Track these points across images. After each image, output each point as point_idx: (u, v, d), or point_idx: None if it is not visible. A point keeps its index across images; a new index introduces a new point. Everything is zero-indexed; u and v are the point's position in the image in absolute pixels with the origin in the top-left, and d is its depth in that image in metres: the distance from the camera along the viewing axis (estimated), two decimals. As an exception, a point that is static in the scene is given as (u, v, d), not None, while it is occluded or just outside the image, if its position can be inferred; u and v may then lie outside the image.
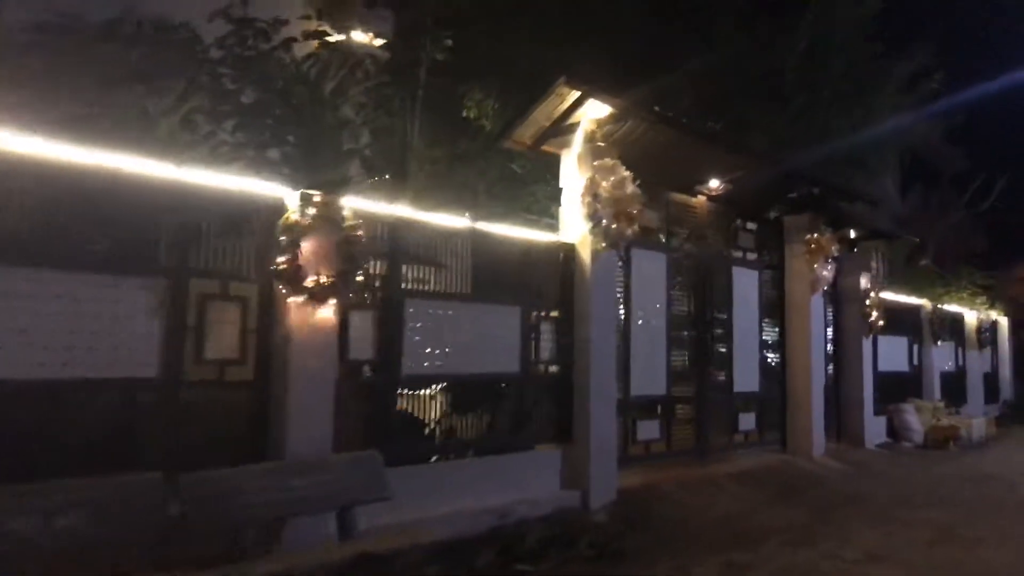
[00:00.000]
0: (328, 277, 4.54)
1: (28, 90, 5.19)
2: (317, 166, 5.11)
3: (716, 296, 8.64)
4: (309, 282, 4.47)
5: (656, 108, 6.63)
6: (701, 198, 8.51)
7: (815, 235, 9.26)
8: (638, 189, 6.56)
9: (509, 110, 8.27)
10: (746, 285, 9.00)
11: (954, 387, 14.08)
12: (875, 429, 10.87)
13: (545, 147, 7.14)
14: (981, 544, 5.97)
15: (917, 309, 13.10)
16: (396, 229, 5.35)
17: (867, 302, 10.63)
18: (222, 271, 4.45)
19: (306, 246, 4.48)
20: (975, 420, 12.30)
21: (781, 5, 11.18)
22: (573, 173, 6.72)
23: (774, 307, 9.52)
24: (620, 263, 7.28)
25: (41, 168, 3.80)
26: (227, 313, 4.42)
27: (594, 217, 6.38)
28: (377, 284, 5.22)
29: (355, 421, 5.00)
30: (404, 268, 5.40)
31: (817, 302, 9.60)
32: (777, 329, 9.55)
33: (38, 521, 3.31)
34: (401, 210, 5.36)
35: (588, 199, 6.39)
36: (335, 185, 4.84)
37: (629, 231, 6.52)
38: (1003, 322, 17.18)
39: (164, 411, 4.12)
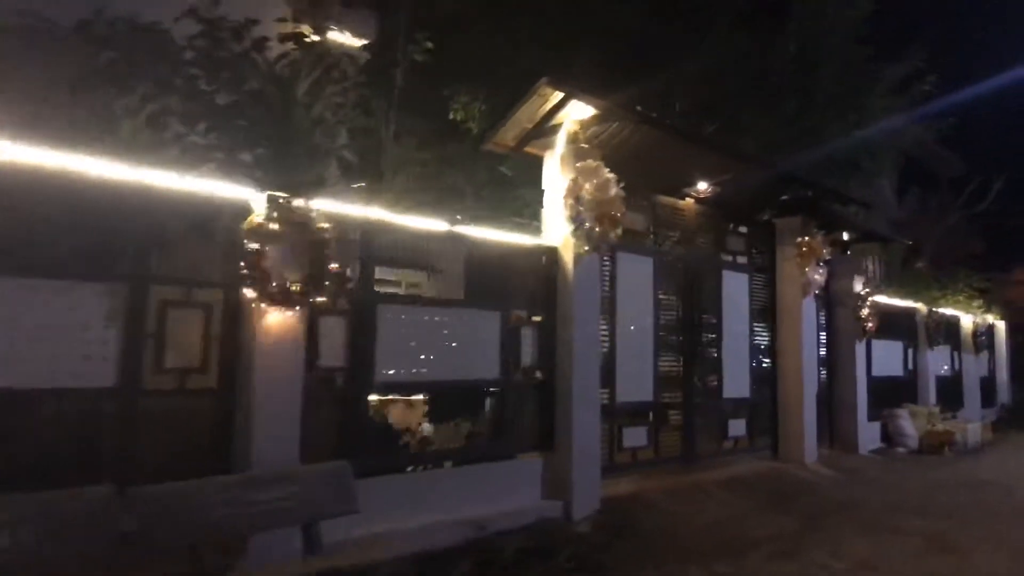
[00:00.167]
0: (295, 282, 4.40)
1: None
2: (288, 168, 4.99)
3: (705, 300, 8.50)
4: (275, 287, 4.33)
5: (639, 108, 6.47)
6: (689, 201, 8.38)
7: (807, 238, 9.12)
8: (622, 191, 6.42)
9: (496, 113, 8.16)
10: (736, 288, 8.86)
11: (950, 391, 13.92)
12: (869, 435, 10.71)
13: (528, 149, 7.02)
14: (974, 552, 5.82)
15: (912, 313, 12.95)
16: (369, 232, 5.21)
17: (860, 306, 10.48)
18: (185, 276, 4.31)
19: (272, 250, 4.34)
20: (971, 425, 12.14)
21: (772, 8, 11.06)
22: (555, 175, 6.59)
23: (765, 311, 9.37)
24: (606, 266, 7.15)
25: (-9, 170, 3.66)
26: (189, 320, 4.28)
27: (576, 220, 6.24)
28: (349, 289, 5.07)
29: (325, 431, 4.85)
30: (378, 272, 5.25)
31: (809, 306, 9.45)
32: (768, 333, 9.39)
33: (-20, 538, 3.17)
34: (375, 212, 5.21)
35: (570, 201, 6.25)
36: (303, 187, 4.70)
37: (612, 234, 6.38)
38: (1000, 325, 17.04)
39: (121, 422, 3.98)
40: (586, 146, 6.52)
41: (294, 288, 4.39)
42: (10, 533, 3.30)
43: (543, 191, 6.78)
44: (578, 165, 6.33)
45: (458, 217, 8.22)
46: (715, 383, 8.48)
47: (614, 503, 6.50)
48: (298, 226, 4.48)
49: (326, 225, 4.61)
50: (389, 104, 5.76)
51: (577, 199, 6.23)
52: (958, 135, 18.85)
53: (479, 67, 10.31)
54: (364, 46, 6.87)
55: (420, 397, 5.57)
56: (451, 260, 5.84)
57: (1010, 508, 7.35)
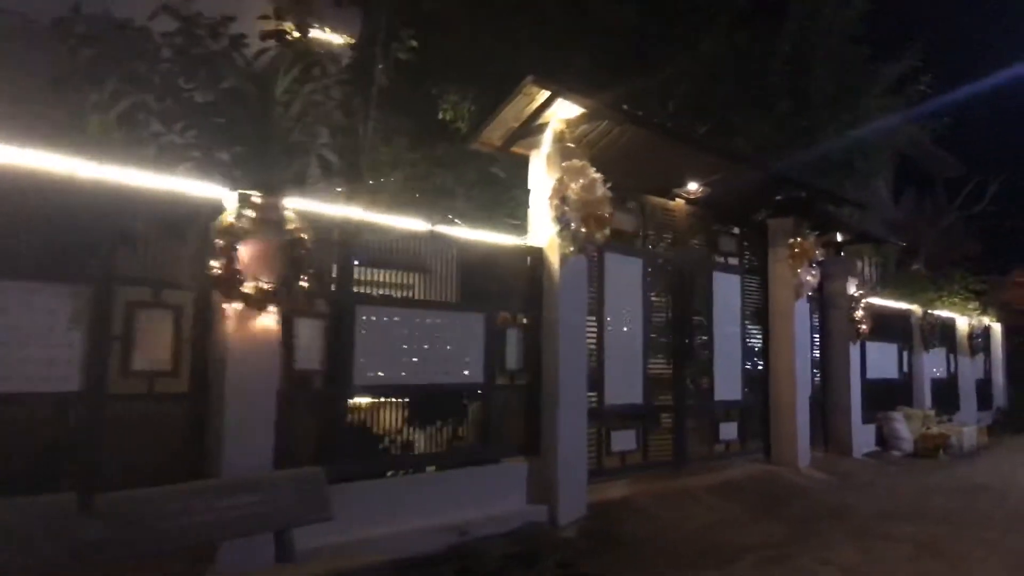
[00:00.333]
0: (269, 283, 4.30)
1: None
2: (266, 167, 4.89)
3: (696, 301, 8.40)
4: (248, 288, 4.22)
5: (624, 107, 6.37)
6: (680, 201, 8.28)
7: (799, 239, 9.02)
8: (609, 191, 6.32)
9: (486, 112, 8.06)
10: (727, 290, 8.76)
11: (946, 394, 13.83)
12: (863, 438, 10.60)
13: (515, 148, 6.92)
14: (966, 560, 5.71)
15: (907, 315, 12.87)
16: (349, 232, 5.10)
17: (854, 307, 10.39)
18: (154, 277, 4.20)
19: (244, 250, 4.24)
20: (966, 428, 12.04)
21: (768, 7, 10.96)
22: (541, 175, 6.49)
23: (758, 313, 9.27)
24: (593, 267, 7.04)
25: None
26: (159, 322, 4.16)
27: (562, 220, 6.14)
28: (327, 290, 4.97)
29: (301, 435, 4.74)
30: (369, 273, 5.15)
31: (802, 307, 9.35)
32: (761, 335, 9.29)
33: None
34: (354, 212, 5.10)
35: (556, 201, 6.15)
36: (277, 186, 4.60)
37: (599, 234, 6.28)
38: (996, 328, 16.94)
39: (86, 427, 3.86)
40: (572, 145, 6.43)
41: (267, 289, 4.28)
42: (-33, 542, 3.20)
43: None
44: (564, 165, 6.23)
45: (451, 217, 8.15)
46: (706, 385, 8.38)
47: (601, 508, 6.40)
48: (272, 226, 4.37)
49: (301, 225, 4.51)
50: (369, 102, 5.64)
51: (563, 199, 6.12)
52: (955, 136, 18.79)
53: (469, 66, 10.21)
54: (348, 44, 6.77)
55: (401, 400, 5.44)
56: (433, 261, 5.73)
57: (1004, 513, 7.24)
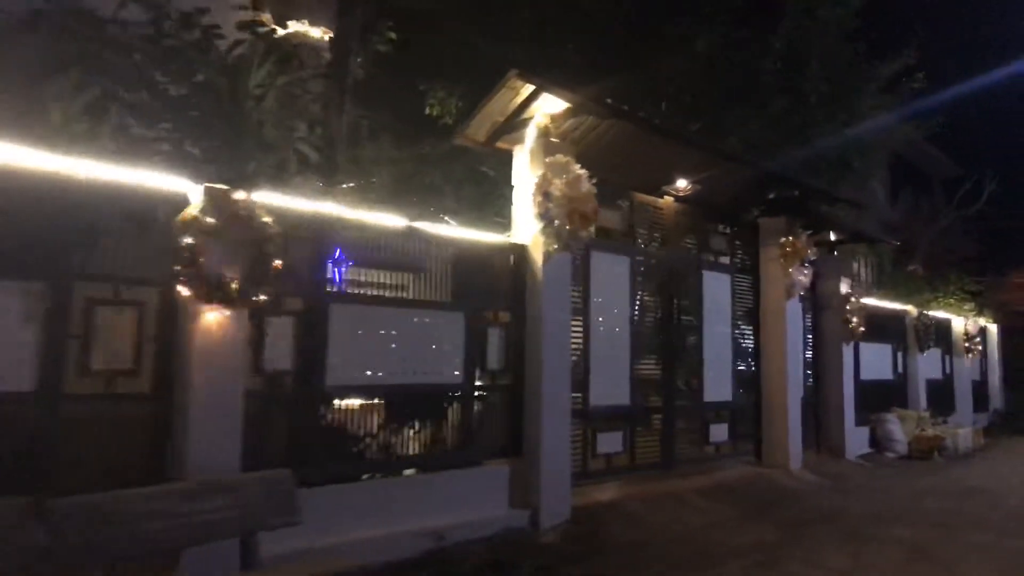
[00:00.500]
0: (235, 280, 4.15)
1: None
2: (235, 161, 4.76)
3: (685, 301, 8.27)
4: (212, 285, 4.08)
5: (608, 101, 6.24)
6: (669, 199, 8.14)
7: (791, 238, 8.89)
8: (594, 187, 6.19)
9: (474, 108, 7.93)
10: (718, 289, 8.62)
11: (941, 396, 13.69)
12: (857, 440, 10.47)
13: (500, 144, 6.80)
14: (957, 565, 5.57)
15: (902, 315, 12.73)
16: (322, 228, 4.96)
17: (847, 308, 10.25)
18: (115, 273, 4.05)
19: (209, 246, 4.09)
20: (961, 430, 11.90)
21: (762, 5, 10.83)
22: (525, 170, 6.36)
23: (749, 313, 9.14)
24: (578, 265, 6.91)
25: None
26: (119, 319, 4.02)
27: (545, 216, 6.00)
28: (299, 287, 4.83)
29: (271, 437, 4.60)
30: (331, 270, 5.00)
31: (794, 308, 9.21)
32: (752, 335, 9.15)
33: None
34: (328, 207, 4.96)
35: (539, 198, 6.01)
36: (246, 180, 4.46)
37: (584, 232, 6.15)
38: (992, 329, 16.80)
39: (41, 428, 3.71)
40: (557, 141, 6.30)
41: (233, 286, 4.14)
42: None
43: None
44: (547, 160, 6.10)
45: (442, 216, 8.01)
46: (696, 386, 8.23)
47: (585, 512, 6.25)
48: (238, 221, 4.23)
49: (271, 220, 4.37)
50: (344, 94, 5.51)
51: (546, 195, 5.99)
52: (951, 136, 18.71)
53: (458, 62, 10.09)
54: (328, 37, 6.63)
55: (378, 402, 5.30)
56: (412, 259, 5.59)
57: (999, 517, 7.10)
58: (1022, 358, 17.56)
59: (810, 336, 10.33)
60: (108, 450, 3.95)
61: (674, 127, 7.64)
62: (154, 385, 4.12)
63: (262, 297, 4.32)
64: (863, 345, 11.08)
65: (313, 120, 5.69)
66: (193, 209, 4.09)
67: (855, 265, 16.50)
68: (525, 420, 6.06)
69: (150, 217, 4.17)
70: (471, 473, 5.75)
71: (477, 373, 5.90)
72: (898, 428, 11.07)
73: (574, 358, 6.82)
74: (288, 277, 4.73)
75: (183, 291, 4.01)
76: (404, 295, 5.56)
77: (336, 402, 5.00)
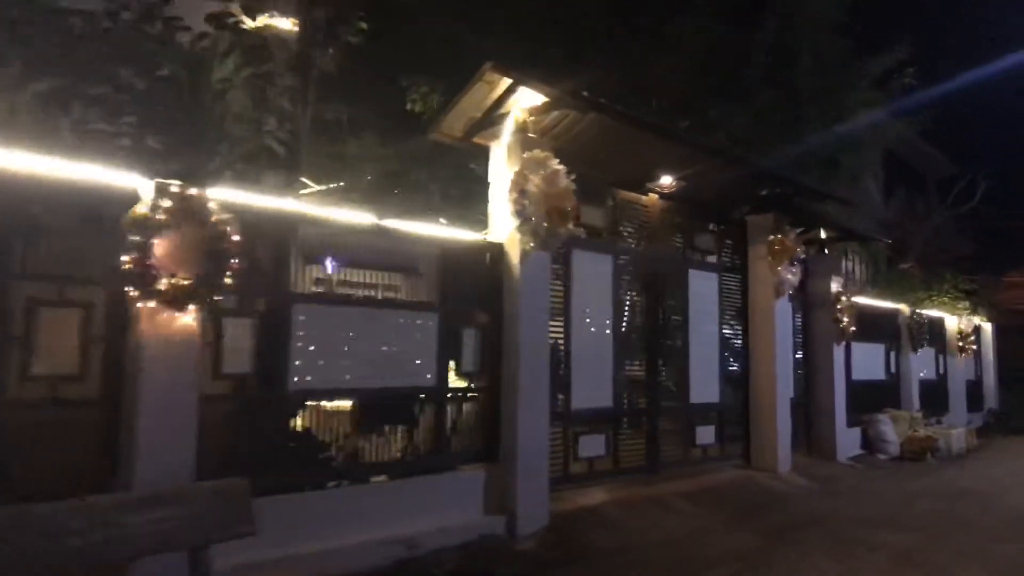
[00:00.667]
0: (187, 279, 3.97)
1: None
2: (194, 156, 4.59)
3: (670, 300, 8.09)
4: (163, 285, 3.90)
5: (584, 94, 6.06)
6: (653, 196, 7.96)
7: (779, 236, 8.71)
8: (573, 184, 6.01)
9: (456, 104, 7.75)
10: (704, 289, 8.44)
11: (935, 396, 13.51)
12: (848, 441, 10.29)
13: (477, 139, 6.62)
14: (945, 571, 5.42)
15: (895, 314, 12.56)
16: (286, 225, 4.77)
17: (838, 307, 10.08)
18: (59, 273, 3.87)
19: (160, 243, 3.91)
20: (955, 430, 11.73)
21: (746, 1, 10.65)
22: (501, 167, 6.18)
23: (737, 312, 8.96)
24: (559, 264, 6.74)
25: None
26: (64, 321, 3.84)
27: (522, 214, 5.82)
28: (260, 287, 4.64)
29: (229, 444, 4.42)
30: (295, 269, 4.81)
31: (783, 307, 9.04)
32: (740, 336, 8.98)
33: None
34: (291, 204, 4.78)
35: (515, 195, 5.83)
36: (204, 176, 4.28)
37: (562, 229, 5.97)
38: (987, 328, 16.63)
39: (-23, 436, 3.53)
40: (534, 136, 6.12)
41: (185, 286, 3.96)
42: None
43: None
44: (524, 156, 5.92)
45: (441, 220, 7.80)
46: (681, 388, 8.05)
47: (565, 518, 6.08)
48: (191, 217, 4.05)
49: (226, 217, 4.18)
50: (308, 87, 5.32)
51: (522, 192, 5.81)
52: (947, 134, 18.62)
53: (441, 56, 9.89)
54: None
55: (346, 406, 5.12)
56: (381, 256, 5.41)
57: (990, 520, 6.93)
58: (1017, 357, 17.40)
59: (800, 336, 10.15)
60: (52, 459, 3.76)
61: (658, 122, 7.42)
62: (102, 390, 3.94)
63: (217, 297, 4.15)
64: (855, 345, 10.91)
65: (282, 114, 5.51)
66: (142, 205, 3.90)
67: (848, 264, 16.38)
68: (502, 423, 5.88)
69: (98, 214, 3.98)
70: (445, 479, 5.57)
71: (452, 375, 5.72)
72: (890, 429, 10.90)
73: (554, 359, 6.65)
74: (249, 276, 4.56)
75: (130, 291, 3.83)
76: (375, 295, 5.37)
77: (301, 407, 4.81)
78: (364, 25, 5.90)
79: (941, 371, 14.09)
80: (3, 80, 4.17)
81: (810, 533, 6.35)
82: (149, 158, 4.56)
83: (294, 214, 4.80)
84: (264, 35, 5.85)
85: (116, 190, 4.02)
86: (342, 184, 11.30)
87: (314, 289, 4.99)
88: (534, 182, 5.84)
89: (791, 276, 8.82)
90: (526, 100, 6.12)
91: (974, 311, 15.40)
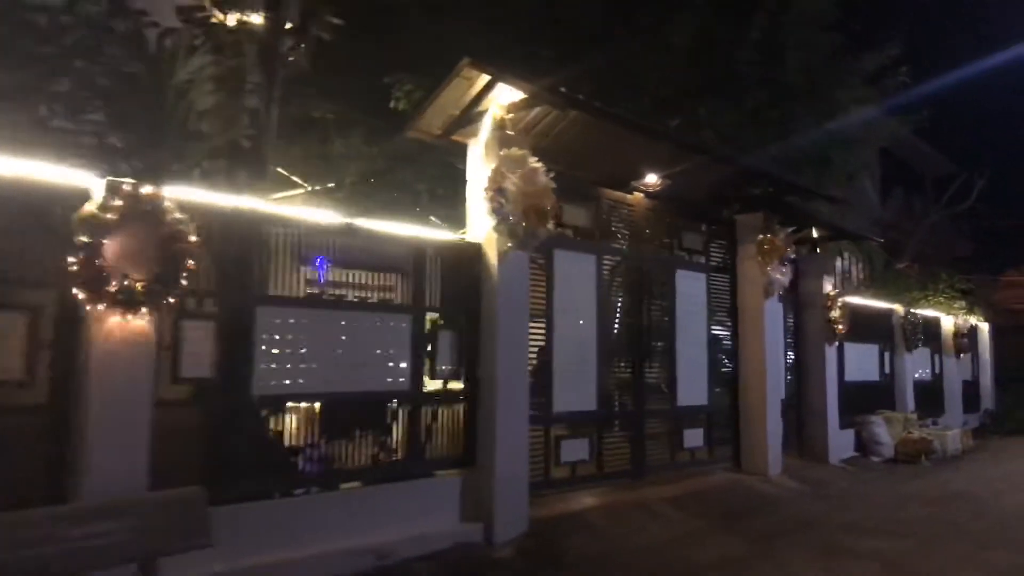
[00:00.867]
0: (141, 280, 3.82)
1: None
2: (154, 153, 4.45)
3: (657, 301, 7.93)
4: (114, 286, 3.74)
5: (562, 89, 5.91)
6: (639, 195, 7.81)
7: (768, 235, 8.55)
8: (551, 182, 5.86)
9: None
10: (692, 289, 8.28)
11: (930, 397, 13.36)
12: (840, 443, 10.13)
13: (455, 137, 6.47)
14: (936, 579, 5.27)
15: (889, 314, 12.40)
16: (249, 225, 4.61)
17: (830, 307, 9.92)
18: (5, 275, 3.71)
19: (112, 244, 3.76)
20: (949, 432, 11.57)
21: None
22: (479, 165, 6.03)
23: (726, 313, 8.80)
24: (540, 265, 6.59)
25: None
26: (8, 324, 3.68)
27: (499, 213, 5.67)
28: (221, 289, 4.48)
29: (187, 452, 4.26)
30: (259, 270, 4.65)
31: (773, 307, 8.88)
32: (730, 337, 8.82)
33: None
34: (254, 203, 4.62)
35: (492, 193, 5.68)
36: (160, 173, 4.13)
37: (541, 229, 5.82)
38: (983, 327, 16.46)
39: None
40: (511, 133, 5.97)
41: (138, 288, 3.81)
42: None
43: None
44: (501, 153, 5.77)
45: (434, 221, 7.62)
46: (668, 390, 7.89)
47: (545, 524, 5.92)
48: (145, 217, 3.89)
49: (183, 216, 4.03)
50: (272, 83, 5.17)
51: (499, 191, 5.66)
52: (945, 133, 18.45)
53: (426, 54, 9.75)
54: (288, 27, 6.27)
55: (315, 411, 4.97)
56: (351, 257, 5.26)
57: (982, 526, 6.76)
58: (1015, 357, 17.24)
59: (792, 337, 10.00)
60: (-4, 468, 3.61)
61: (639, 119, 7.26)
62: (51, 397, 3.78)
63: (173, 299, 4.00)
64: (848, 345, 10.76)
65: (251, 111, 5.36)
66: (91, 204, 3.75)
67: (844, 263, 16.23)
68: (479, 427, 5.73)
69: (48, 213, 3.83)
70: (420, 485, 5.41)
71: (427, 379, 5.57)
72: (884, 431, 10.75)
73: (536, 362, 6.51)
74: (210, 277, 4.41)
75: (78, 293, 3.68)
76: (340, 296, 5.22)
77: (266, 412, 4.65)
78: (336, 20, 5.74)
79: (937, 371, 13.94)
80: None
81: (797, 539, 6.20)
82: (110, 156, 4.43)
83: (258, 213, 4.64)
84: (236, 31, 5.69)
85: (67, 188, 3.87)
86: (331, 185, 11.20)
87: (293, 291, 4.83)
88: (512, 180, 5.69)
89: (781, 276, 8.67)
90: (505, 97, 5.98)
91: (970, 311, 15.25)
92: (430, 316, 5.66)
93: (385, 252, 5.51)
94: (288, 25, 6.21)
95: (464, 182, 9.39)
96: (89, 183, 3.90)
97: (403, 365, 5.38)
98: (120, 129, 4.66)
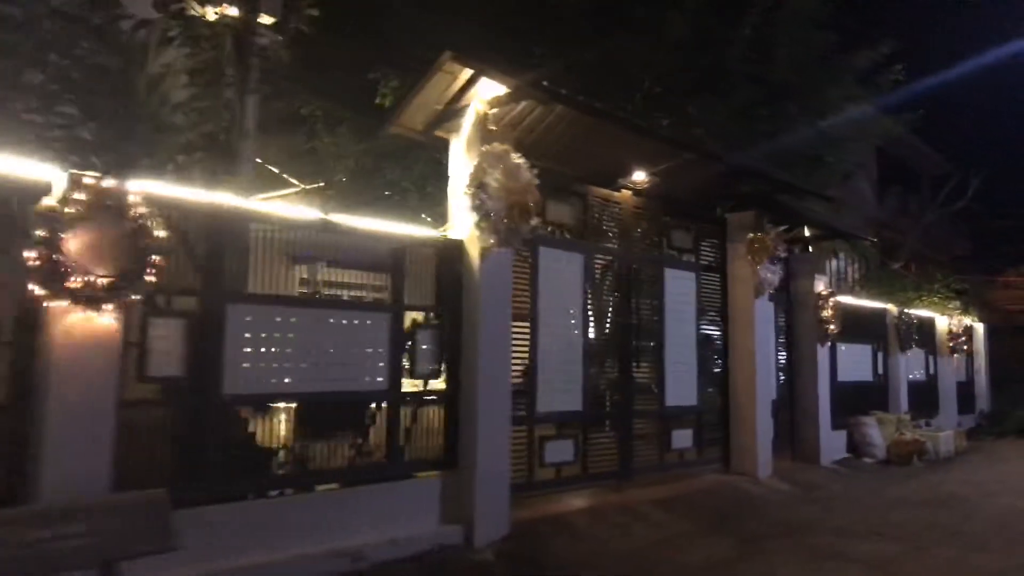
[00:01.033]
0: (104, 276, 3.72)
1: None
2: (124, 146, 4.35)
3: (645, 300, 7.83)
4: (75, 283, 3.64)
5: (544, 83, 5.81)
6: (626, 192, 7.70)
7: (759, 233, 8.46)
8: (534, 178, 5.76)
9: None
10: (681, 288, 8.18)
11: (924, 397, 13.26)
12: (832, 444, 10.03)
13: (438, 133, 6.37)
14: (923, 584, 5.17)
15: (882, 314, 12.30)
16: (220, 221, 4.51)
17: (822, 307, 9.83)
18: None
19: (73, 239, 3.66)
20: (942, 433, 11.48)
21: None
22: (461, 161, 5.93)
23: (716, 312, 8.70)
24: (526, 262, 6.49)
25: None
26: (-34, 322, 3.58)
27: (481, 210, 5.56)
28: (192, 286, 4.38)
29: (155, 453, 4.16)
30: (231, 267, 4.54)
31: (763, 307, 8.79)
32: (720, 336, 8.72)
33: None
34: (227, 199, 4.51)
35: (473, 189, 5.58)
36: (128, 167, 4.03)
37: (524, 226, 5.72)
38: (979, 328, 16.37)
39: None
40: (494, 128, 5.87)
41: (101, 285, 3.71)
42: None
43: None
44: (483, 149, 5.66)
45: (425, 219, 7.48)
46: (657, 390, 7.78)
47: (527, 527, 5.82)
48: (108, 212, 3.79)
49: (149, 211, 3.93)
50: (245, 75, 5.06)
51: (480, 187, 5.56)
52: (936, 131, 18.35)
53: (418, 52, 9.65)
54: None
55: (289, 411, 4.87)
56: (328, 254, 5.16)
57: (972, 529, 6.67)
58: (1010, 358, 17.16)
59: (784, 337, 9.90)
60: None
61: (624, 115, 7.18)
62: (10, 396, 3.67)
63: (138, 296, 3.90)
64: (841, 345, 10.67)
65: (228, 105, 5.25)
66: (50, 198, 3.65)
67: (839, 263, 16.14)
68: (460, 428, 5.62)
69: (6, 207, 3.72)
70: (398, 487, 5.31)
71: (407, 378, 5.46)
72: (876, 432, 10.65)
73: (521, 361, 6.41)
74: (180, 274, 4.31)
75: (36, 289, 3.57)
76: (316, 294, 5.12)
77: (237, 412, 4.55)
78: (314, 11, 5.63)
79: (931, 372, 13.84)
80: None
81: (784, 543, 6.10)
82: (80, 150, 4.33)
83: (230, 209, 4.53)
84: (214, 24, 5.58)
85: (28, 182, 3.76)
86: (321, 184, 11.08)
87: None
88: (494, 176, 5.59)
89: (771, 275, 8.58)
90: (488, 91, 5.88)
91: (965, 311, 15.16)
92: (410, 314, 5.55)
93: (364, 249, 5.40)
94: (270, 20, 6.12)
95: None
96: (51, 176, 3.79)
97: (381, 364, 5.27)
98: (91, 122, 4.56)
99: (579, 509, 6.48)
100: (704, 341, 8.47)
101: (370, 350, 5.21)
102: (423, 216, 8.77)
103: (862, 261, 16.68)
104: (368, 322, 5.23)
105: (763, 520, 6.87)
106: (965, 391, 15.24)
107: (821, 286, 9.93)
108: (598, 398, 7.21)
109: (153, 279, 3.91)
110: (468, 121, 5.92)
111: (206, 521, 4.21)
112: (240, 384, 4.48)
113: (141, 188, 3.99)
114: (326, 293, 6.53)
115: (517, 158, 5.72)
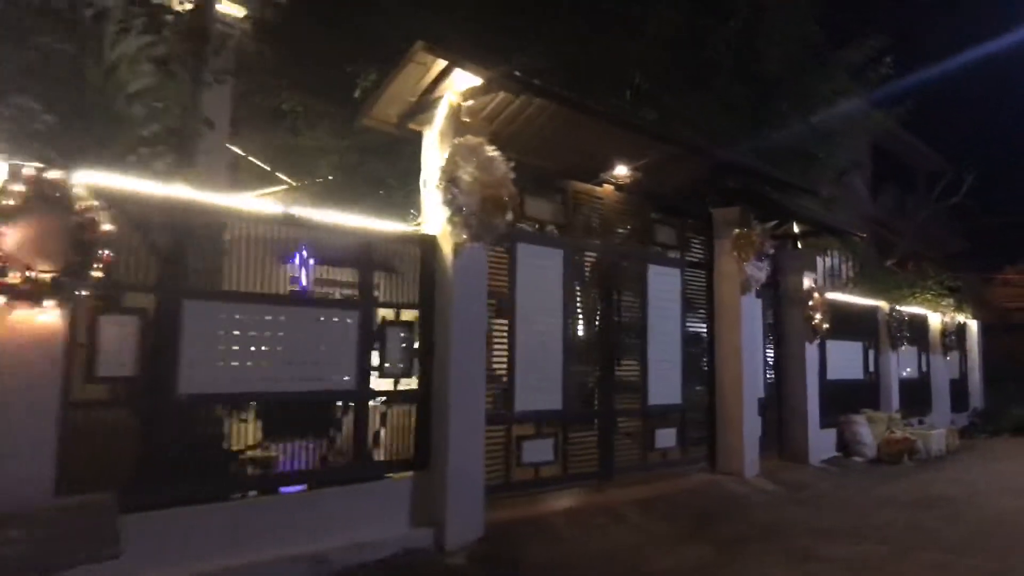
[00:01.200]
0: (46, 271, 3.56)
1: None
2: (75, 136, 4.19)
3: (628, 297, 7.68)
4: (13, 278, 3.49)
5: (517, 73, 5.65)
6: (608, 187, 7.55)
7: (745, 229, 8.31)
8: (510, 171, 5.60)
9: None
10: (665, 285, 8.02)
11: (917, 395, 13.13)
12: (822, 443, 9.89)
13: (412, 126, 6.22)
14: (906, 588, 5.03)
15: (873, 311, 12.16)
16: (175, 214, 4.35)
17: (811, 303, 9.68)
18: None
19: (11, 232, 3.50)
20: (934, 431, 11.34)
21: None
22: (434, 154, 5.77)
23: (701, 309, 8.56)
24: (503, 258, 6.34)
25: None
26: (-101, 319, 3.42)
27: (453, 204, 5.41)
28: (144, 281, 4.22)
29: (107, 456, 4.00)
30: (187, 262, 4.39)
31: (750, 303, 8.64)
32: (705, 334, 8.58)
33: None
34: (181, 191, 4.36)
35: (445, 183, 5.42)
36: (78, 157, 3.88)
37: (498, 220, 5.56)
38: (972, 325, 16.24)
39: None
40: (468, 120, 5.71)
41: (43, 280, 3.55)
42: None
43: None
44: (456, 142, 5.50)
45: (413, 216, 7.32)
46: (640, 388, 7.63)
47: (503, 529, 5.67)
48: (53, 203, 3.63)
49: (96, 203, 3.77)
50: (199, 65, 4.90)
51: (453, 180, 5.39)
52: (933, 128, 18.24)
53: (401, 46, 9.50)
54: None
55: (251, 412, 4.72)
56: (293, 249, 5.00)
57: (959, 531, 6.51)
58: (1004, 356, 17.02)
59: (772, 334, 9.76)
60: None
61: (604, 107, 7.01)
62: (-51, 396, 3.52)
63: (84, 292, 3.74)
64: (830, 343, 10.53)
65: (186, 92, 5.09)
66: (-11, 190, 3.49)
67: (832, 260, 16.00)
68: (432, 428, 5.48)
69: (-55, 199, 3.57)
70: (367, 488, 5.16)
71: (377, 377, 5.31)
72: (867, 430, 10.51)
73: (499, 360, 6.26)
74: (134, 269, 4.16)
75: (-27, 285, 3.43)
76: (279, 290, 4.95)
77: (193, 413, 4.40)
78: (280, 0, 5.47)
79: (924, 370, 13.71)
80: None
81: (766, 546, 5.95)
82: (32, 140, 4.18)
83: (187, 203, 4.37)
84: (180, 12, 5.42)
85: (-30, 173, 3.61)
86: (306, 182, 10.90)
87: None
88: (467, 170, 5.42)
89: (758, 271, 8.43)
90: (462, 83, 5.72)
91: (959, 308, 15.02)
92: (380, 311, 5.40)
93: (331, 244, 5.24)
94: (240, 10, 5.96)
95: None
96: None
97: (348, 363, 5.12)
98: (46, 114, 4.41)
99: (558, 510, 6.33)
100: (690, 338, 8.33)
101: (338, 348, 5.06)
102: (410, 212, 8.64)
103: (856, 258, 16.56)
104: (335, 319, 5.08)
105: (747, 521, 6.73)
106: (958, 389, 15.12)
107: (810, 282, 9.78)
108: (579, 396, 7.07)
109: (100, 274, 3.75)
110: (441, 113, 5.77)
111: (161, 526, 4.06)
112: (196, 383, 4.32)
113: (89, 180, 3.83)
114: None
115: (492, 151, 5.56)
